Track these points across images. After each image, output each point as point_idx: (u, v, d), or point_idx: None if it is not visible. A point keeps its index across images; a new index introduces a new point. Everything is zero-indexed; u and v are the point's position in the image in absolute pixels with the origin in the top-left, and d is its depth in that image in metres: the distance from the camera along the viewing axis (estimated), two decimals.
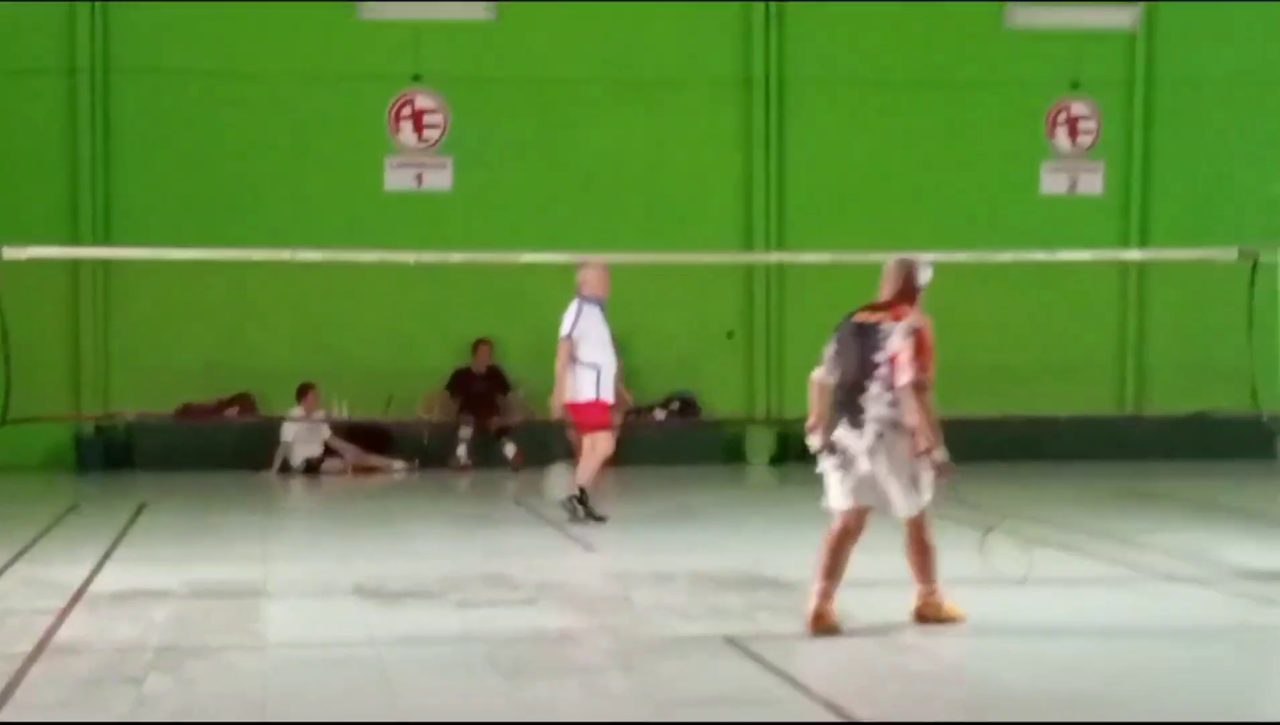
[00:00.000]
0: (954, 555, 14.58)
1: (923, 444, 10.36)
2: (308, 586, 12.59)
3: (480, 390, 23.55)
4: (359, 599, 11.92)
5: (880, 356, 10.46)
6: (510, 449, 23.20)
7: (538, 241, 21.07)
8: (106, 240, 23.18)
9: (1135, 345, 25.45)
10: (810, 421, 10.85)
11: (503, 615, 11.29)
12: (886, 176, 24.93)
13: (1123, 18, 25.25)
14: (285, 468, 22.56)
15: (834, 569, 10.45)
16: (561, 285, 22.32)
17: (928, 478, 10.54)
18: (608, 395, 16.29)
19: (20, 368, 14.32)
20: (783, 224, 24.69)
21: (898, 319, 10.58)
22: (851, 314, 10.79)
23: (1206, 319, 23.74)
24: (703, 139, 24.73)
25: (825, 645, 9.93)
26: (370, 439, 23.15)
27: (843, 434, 10.49)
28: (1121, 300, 25.42)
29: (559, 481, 15.91)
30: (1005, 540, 11.46)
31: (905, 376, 10.34)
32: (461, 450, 23.23)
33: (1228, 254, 14.23)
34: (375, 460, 22.87)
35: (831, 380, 10.70)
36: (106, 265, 23.27)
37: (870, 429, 10.39)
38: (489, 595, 12.14)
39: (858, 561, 13.98)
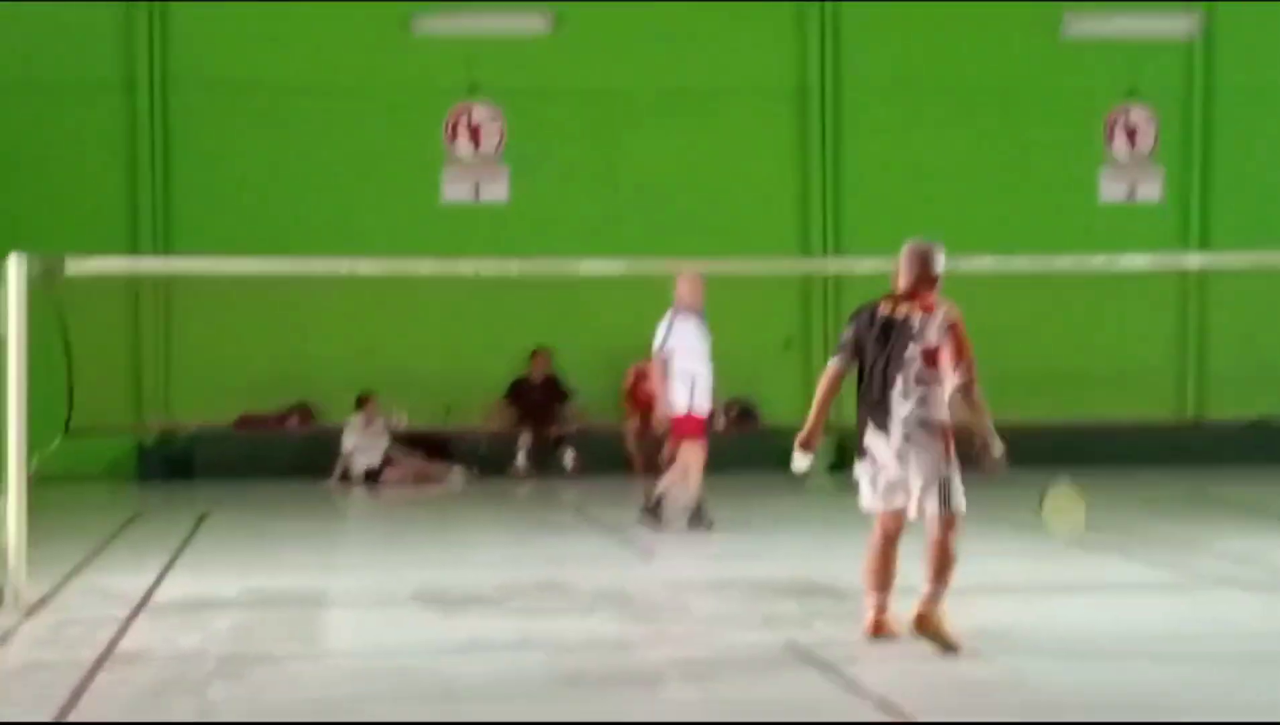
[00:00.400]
0: (1006, 561, 14.59)
1: (981, 440, 10.10)
2: (368, 595, 12.64)
3: (538, 399, 23.61)
4: (419, 607, 11.96)
5: (912, 351, 9.93)
6: (569, 457, 23.25)
7: (594, 251, 21.09)
8: (167, 252, 23.33)
9: (1195, 351, 25.35)
10: (804, 435, 10.36)
11: (562, 623, 11.31)
12: (943, 184, 24.89)
13: (1181, 25, 25.14)
14: (345, 477, 22.64)
15: (884, 577, 10.18)
16: (618, 295, 22.44)
17: (959, 480, 10.08)
18: (701, 406, 16.25)
19: (83, 379, 14.41)
20: (839, 232, 24.68)
21: (927, 310, 10.05)
22: (872, 306, 10.24)
23: (1267, 325, 23.65)
24: (759, 148, 24.74)
25: (884, 652, 9.92)
26: (430, 448, 23.23)
27: (871, 439, 10.05)
28: (1181, 306, 25.32)
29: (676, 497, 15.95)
30: (1061, 500, 11.18)
31: (956, 380, 9.89)
32: (520, 458, 23.30)
33: None
34: (434, 469, 22.94)
35: (848, 372, 10.21)
36: (167, 277, 23.41)
37: (897, 431, 9.92)
38: (548, 604, 12.17)
39: (910, 567, 13.98)
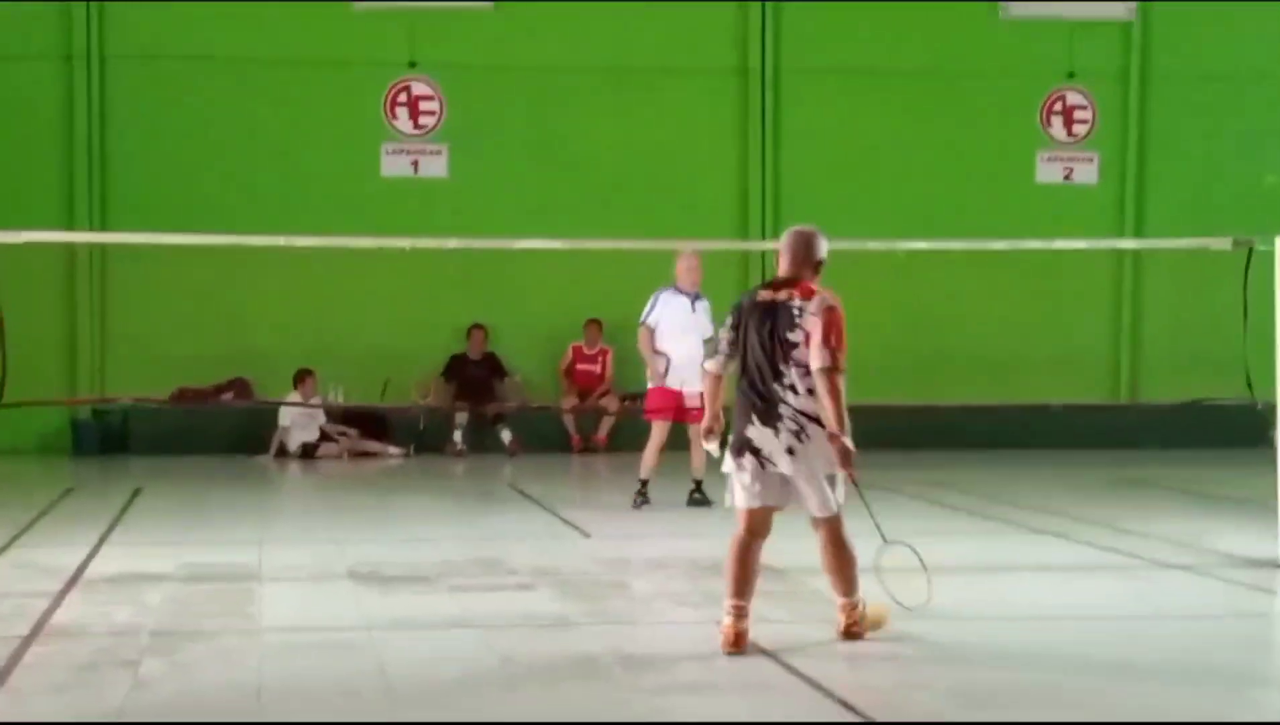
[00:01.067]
0: (950, 542, 14.66)
1: (832, 430, 9.36)
2: (303, 571, 12.61)
3: (476, 376, 23.58)
4: (354, 583, 11.94)
5: (796, 336, 9.46)
6: (506, 435, 23.25)
7: (533, 229, 21.07)
8: (103, 225, 23.20)
9: (1130, 334, 25.51)
10: (706, 422, 9.92)
11: (499, 600, 11.31)
12: (882, 166, 24.97)
13: (1119, 9, 25.28)
14: (282, 452, 22.60)
15: (748, 581, 9.56)
16: (557, 273, 22.47)
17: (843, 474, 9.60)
18: (674, 384, 16.35)
19: (16, 352, 14.32)
20: (778, 213, 24.69)
21: (806, 296, 9.57)
22: (751, 293, 9.77)
23: (1201, 308, 23.77)
24: (699, 128, 24.75)
25: (820, 632, 9.94)
26: (366, 424, 23.19)
27: (756, 433, 9.51)
28: (1116, 289, 25.48)
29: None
30: (903, 562, 10.59)
31: (818, 360, 9.33)
32: (457, 436, 23.27)
33: (1223, 243, 14.25)
34: (371, 445, 22.92)
35: (731, 368, 9.73)
36: (103, 250, 23.27)
37: (787, 426, 9.43)
38: (485, 581, 12.17)
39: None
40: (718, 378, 9.84)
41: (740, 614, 9.46)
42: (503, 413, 23.32)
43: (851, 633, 9.65)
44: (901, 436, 23.78)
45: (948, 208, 24.51)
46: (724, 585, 9.59)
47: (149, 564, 12.68)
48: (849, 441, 9.39)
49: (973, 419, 24.08)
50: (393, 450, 22.90)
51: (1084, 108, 25.39)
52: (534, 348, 24.13)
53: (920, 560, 10.20)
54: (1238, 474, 19.13)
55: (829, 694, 8.38)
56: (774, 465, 9.46)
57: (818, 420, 9.41)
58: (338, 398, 22.95)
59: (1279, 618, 11.58)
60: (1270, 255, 13.25)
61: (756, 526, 9.61)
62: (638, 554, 10.02)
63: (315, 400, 22.62)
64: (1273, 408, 13.22)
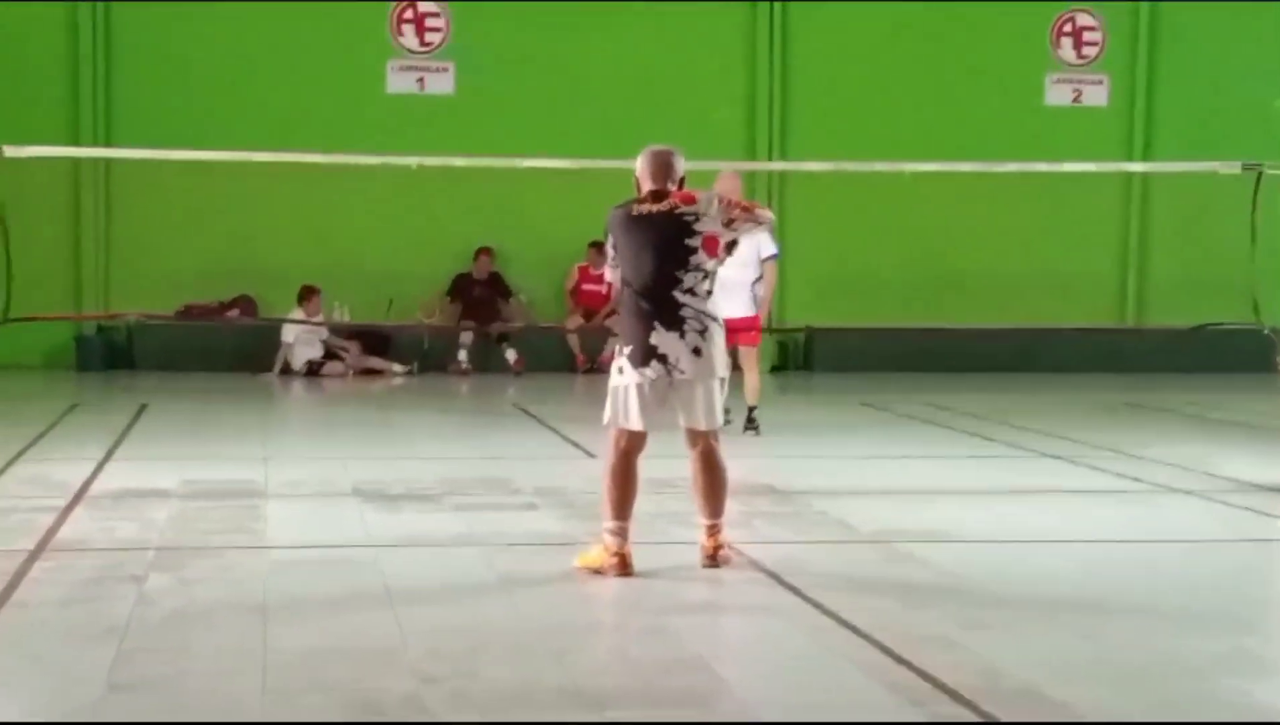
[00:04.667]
0: (954, 466, 14.68)
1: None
2: (307, 487, 12.63)
3: (481, 296, 23.57)
4: (358, 500, 11.97)
5: (694, 241, 9.38)
6: (511, 354, 23.26)
7: (540, 148, 21.02)
8: (108, 141, 23.14)
9: (1137, 258, 25.48)
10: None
11: (502, 519, 11.33)
12: (889, 88, 24.88)
13: None
14: (286, 370, 22.62)
15: (630, 502, 9.41)
16: (563, 192, 22.39)
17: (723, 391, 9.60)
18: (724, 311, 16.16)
19: (22, 268, 14.31)
20: (785, 133, 24.64)
21: (689, 201, 9.49)
22: (625, 207, 9.58)
23: (1209, 232, 23.76)
24: (707, 48, 24.65)
25: (824, 552, 9.95)
26: (371, 342, 23.20)
27: (660, 339, 9.35)
28: (1124, 212, 25.43)
29: None
30: None
31: (762, 214, 9.76)
32: (462, 355, 23.29)
33: (1231, 167, 14.22)
34: (375, 362, 22.95)
35: (615, 278, 9.68)
36: (108, 166, 23.24)
37: (691, 326, 9.33)
38: (488, 499, 12.19)
39: (853, 469, 14.06)
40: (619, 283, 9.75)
41: (625, 534, 9.35)
42: (507, 332, 23.32)
43: (716, 554, 9.49)
44: (907, 359, 23.85)
45: (955, 130, 24.44)
46: (607, 507, 9.39)
47: (154, 480, 12.71)
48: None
49: (979, 342, 24.10)
50: (397, 368, 22.93)
51: (1093, 29, 25.27)
52: (540, 268, 24.10)
53: None
54: (1244, 399, 19.18)
55: (830, 614, 8.40)
56: (680, 372, 9.32)
57: (715, 319, 9.44)
58: (342, 315, 22.95)
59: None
60: (1278, 181, 13.22)
61: (640, 444, 9.50)
62: (642, 474, 9.98)
63: (319, 318, 22.61)
64: (1279, 332, 13.20)
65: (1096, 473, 13.93)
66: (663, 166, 9.64)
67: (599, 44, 24.36)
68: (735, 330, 15.70)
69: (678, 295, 9.37)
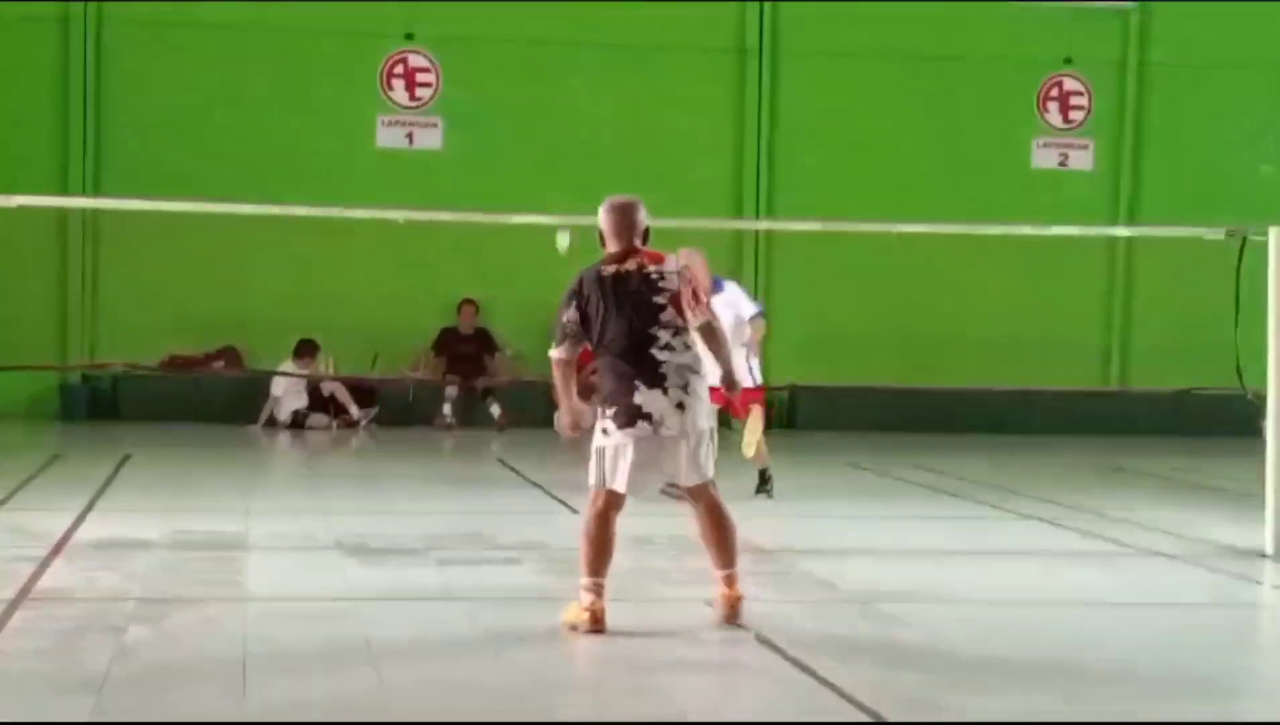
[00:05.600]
0: (936, 527, 14.67)
1: (724, 367, 9.52)
2: (290, 540, 12.60)
3: (466, 350, 23.59)
4: (341, 554, 11.94)
5: (661, 299, 9.38)
6: (495, 409, 23.25)
7: (527, 204, 21.03)
8: (96, 191, 23.16)
9: (1122, 321, 25.54)
10: (566, 419, 9.69)
11: (484, 574, 11.32)
12: (877, 147, 24.98)
13: None
14: (271, 422, 22.60)
15: (605, 557, 9.38)
16: (550, 247, 22.36)
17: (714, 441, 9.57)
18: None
19: (6, 316, 14.30)
20: (772, 192, 24.71)
21: (657, 261, 9.49)
22: (594, 271, 9.52)
23: (1193, 297, 23.78)
24: (695, 106, 24.75)
25: (805, 611, 9.96)
26: (356, 396, 23.19)
27: (644, 398, 9.30)
28: (1109, 276, 25.51)
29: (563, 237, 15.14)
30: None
31: (697, 318, 9.41)
32: (447, 409, 23.27)
33: (1216, 233, 14.24)
34: (352, 408, 22.90)
35: (570, 357, 9.63)
36: (95, 215, 23.26)
37: (674, 382, 9.29)
38: (470, 554, 12.17)
39: (837, 529, 14.05)
40: (570, 364, 9.67)
41: (602, 591, 9.30)
42: (492, 387, 23.31)
43: (735, 608, 9.40)
44: (892, 419, 23.88)
45: (942, 191, 24.52)
46: (584, 564, 9.35)
47: (136, 531, 12.67)
48: (737, 383, 9.72)
49: (963, 403, 24.13)
50: (353, 410, 22.87)
51: (1080, 94, 25.39)
52: (526, 323, 24.08)
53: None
54: (1226, 463, 19.18)
55: (811, 673, 8.38)
56: (666, 428, 9.27)
57: (698, 372, 9.40)
58: (328, 368, 22.96)
59: (1263, 607, 11.58)
60: (1263, 246, 13.26)
61: (619, 504, 9.45)
62: (622, 531, 9.95)
63: (312, 372, 22.64)
64: (1262, 398, 13.22)
65: (1079, 535, 13.92)
66: (625, 222, 9.62)
67: (586, 99, 24.44)
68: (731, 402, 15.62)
69: (655, 352, 9.35)
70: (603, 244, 9.70)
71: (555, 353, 9.68)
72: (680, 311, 9.40)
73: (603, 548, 9.39)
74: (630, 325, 9.38)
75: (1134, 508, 15.73)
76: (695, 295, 9.44)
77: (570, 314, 9.51)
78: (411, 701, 7.68)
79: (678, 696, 8.01)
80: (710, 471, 9.50)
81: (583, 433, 9.71)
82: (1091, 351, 25.56)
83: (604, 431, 9.42)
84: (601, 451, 9.43)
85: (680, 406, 9.32)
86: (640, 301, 9.39)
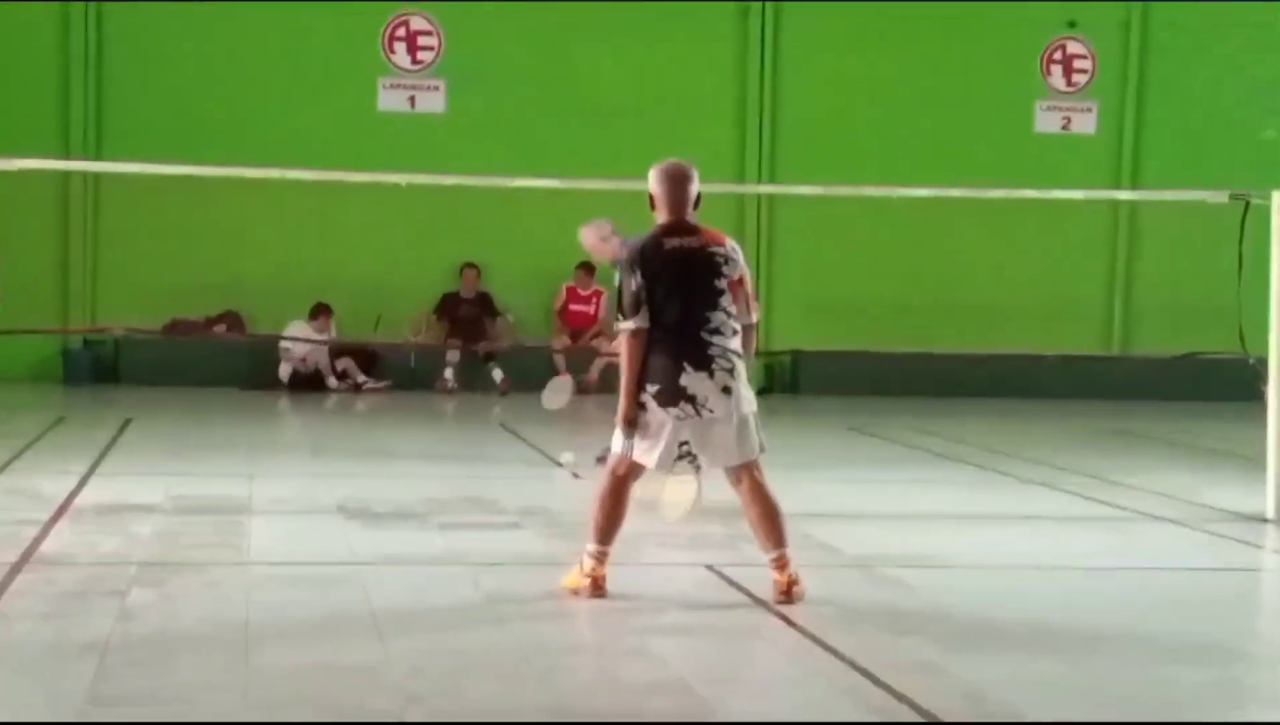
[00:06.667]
0: (939, 490, 14.69)
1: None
2: (292, 504, 12.61)
3: (468, 314, 23.57)
4: (343, 518, 11.94)
5: (721, 283, 9.21)
6: (497, 374, 23.24)
7: (530, 168, 21.02)
8: (98, 155, 23.12)
9: (1124, 285, 25.51)
10: (626, 412, 9.20)
11: (486, 538, 11.33)
12: (880, 110, 24.93)
13: None
14: (278, 383, 22.66)
15: (615, 526, 9.33)
16: (552, 211, 22.38)
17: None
18: None
19: (8, 280, 14.29)
20: (775, 155, 24.68)
21: (718, 242, 9.34)
22: (655, 242, 9.28)
23: (1196, 261, 23.76)
24: (698, 67, 24.68)
25: (808, 576, 9.94)
26: (358, 358, 23.22)
27: (690, 380, 9.13)
28: (1112, 240, 25.47)
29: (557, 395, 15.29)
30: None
31: (754, 315, 9.32)
32: (448, 373, 23.27)
33: (1219, 196, 14.22)
34: (358, 376, 23.02)
35: (648, 321, 9.19)
36: (97, 179, 23.22)
37: (721, 365, 9.14)
38: (473, 518, 12.18)
39: (839, 493, 14.08)
40: (645, 335, 9.22)
41: (605, 559, 9.29)
42: (494, 351, 23.31)
43: (790, 590, 9.19)
44: (894, 383, 23.88)
45: (945, 155, 24.47)
46: (593, 530, 9.30)
47: (138, 495, 12.68)
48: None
49: (966, 367, 24.12)
50: (360, 378, 22.98)
51: (1084, 58, 25.34)
52: (528, 287, 24.10)
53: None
54: (1228, 428, 19.18)
55: (813, 638, 8.39)
56: (709, 411, 9.13)
57: (744, 360, 9.28)
58: (331, 334, 22.97)
59: (1265, 571, 11.60)
60: (1266, 209, 13.25)
61: (638, 474, 9.37)
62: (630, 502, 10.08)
63: (322, 336, 22.66)
64: (1264, 362, 13.22)
65: (1081, 499, 13.93)
66: (681, 194, 9.42)
67: (589, 63, 24.39)
68: None
69: (705, 335, 9.18)
70: (652, 207, 9.49)
71: (630, 323, 9.22)
72: (736, 299, 9.25)
73: (615, 516, 9.33)
74: (687, 304, 9.19)
75: (1136, 472, 15.74)
76: (754, 290, 9.39)
77: (639, 280, 9.19)
78: (414, 666, 7.69)
79: (678, 661, 8.01)
80: (753, 453, 9.30)
81: (635, 428, 9.25)
82: (1094, 315, 25.55)
83: (643, 405, 9.23)
84: (646, 425, 9.24)
85: (726, 390, 9.17)
86: (701, 282, 9.21)
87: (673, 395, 9.16)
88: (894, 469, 16.25)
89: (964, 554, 11.27)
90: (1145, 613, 9.46)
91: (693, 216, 9.42)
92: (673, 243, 9.27)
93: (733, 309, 9.25)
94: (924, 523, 12.71)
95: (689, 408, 9.15)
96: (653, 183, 9.50)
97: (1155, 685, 7.76)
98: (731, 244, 9.41)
